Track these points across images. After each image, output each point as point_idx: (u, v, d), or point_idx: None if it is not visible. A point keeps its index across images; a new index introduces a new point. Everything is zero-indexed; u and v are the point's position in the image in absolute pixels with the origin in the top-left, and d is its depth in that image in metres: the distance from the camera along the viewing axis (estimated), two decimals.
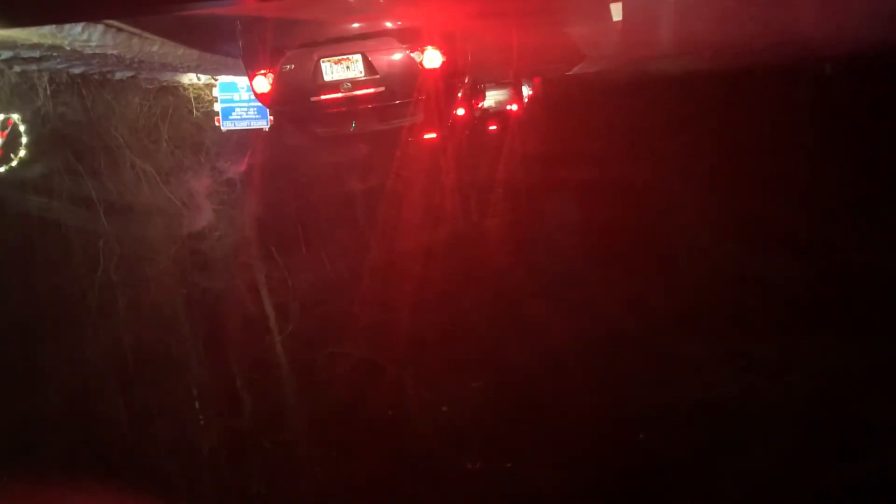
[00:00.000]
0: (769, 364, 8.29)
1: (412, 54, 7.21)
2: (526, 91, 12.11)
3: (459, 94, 9.29)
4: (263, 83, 7.07)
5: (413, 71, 7.19)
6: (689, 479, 8.27)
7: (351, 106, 7.36)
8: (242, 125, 9.78)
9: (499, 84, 11.84)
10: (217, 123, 9.58)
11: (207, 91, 9.66)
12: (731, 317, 8.48)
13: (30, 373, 8.71)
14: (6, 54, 7.12)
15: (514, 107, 12.27)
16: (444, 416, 9.28)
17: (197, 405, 9.40)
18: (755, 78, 9.34)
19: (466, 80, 9.46)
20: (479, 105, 11.37)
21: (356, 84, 7.15)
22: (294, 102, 7.38)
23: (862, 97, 9.17)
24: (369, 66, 7.12)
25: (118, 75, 8.86)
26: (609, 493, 8.24)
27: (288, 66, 7.08)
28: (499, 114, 12.31)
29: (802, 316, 8.30)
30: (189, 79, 9.36)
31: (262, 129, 9.70)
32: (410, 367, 9.30)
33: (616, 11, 8.86)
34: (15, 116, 7.76)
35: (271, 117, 9.51)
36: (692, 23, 8.74)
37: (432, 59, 7.13)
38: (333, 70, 7.14)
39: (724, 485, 8.14)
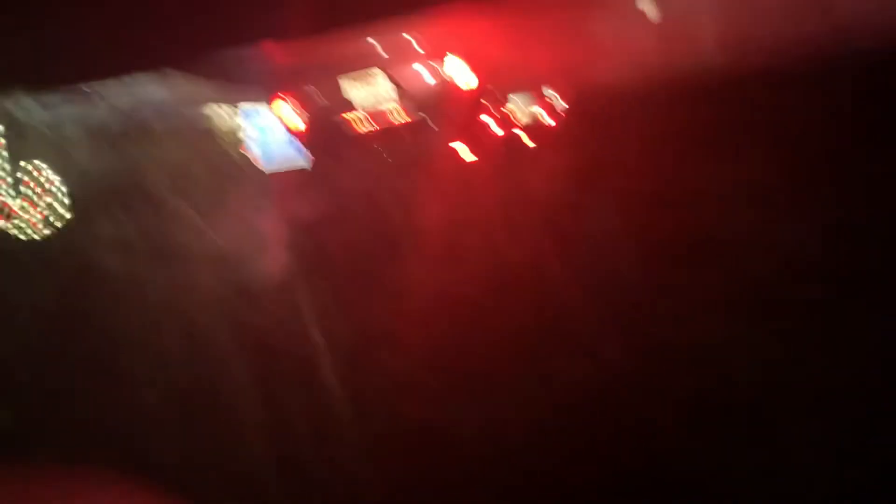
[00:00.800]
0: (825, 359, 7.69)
1: (441, 70, 7.08)
2: (556, 98, 11.86)
3: (491, 108, 9.13)
4: (294, 116, 7.00)
5: (447, 90, 7.06)
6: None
7: (380, 126, 7.28)
8: (282, 165, 9.85)
9: (533, 97, 11.64)
10: (256, 164, 9.67)
11: (244, 132, 9.79)
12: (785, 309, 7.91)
13: (78, 418, 8.74)
14: (41, 110, 7.35)
15: (544, 112, 11.98)
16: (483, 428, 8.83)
17: (248, 437, 9.24)
18: (813, 81, 8.87)
19: (500, 96, 9.31)
20: (515, 119, 11.16)
21: (383, 102, 7.06)
22: (323, 128, 7.34)
23: None
24: (395, 84, 7.04)
25: (156, 124, 9.05)
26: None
27: (316, 93, 7.03)
28: (535, 127, 12.04)
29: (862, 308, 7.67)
30: (226, 120, 9.51)
31: (302, 165, 9.75)
32: (453, 380, 8.94)
33: (650, 11, 8.64)
34: (45, 166, 7.95)
35: (309, 153, 9.54)
36: (739, 21, 8.47)
37: (467, 80, 6.99)
38: (358, 90, 7.08)
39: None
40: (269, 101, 7.15)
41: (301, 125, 7.09)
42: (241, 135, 9.82)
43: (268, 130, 9.70)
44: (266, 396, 9.01)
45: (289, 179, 9.94)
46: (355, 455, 8.82)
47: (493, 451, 8.28)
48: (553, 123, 11.59)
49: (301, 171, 9.89)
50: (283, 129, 7.95)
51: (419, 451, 8.48)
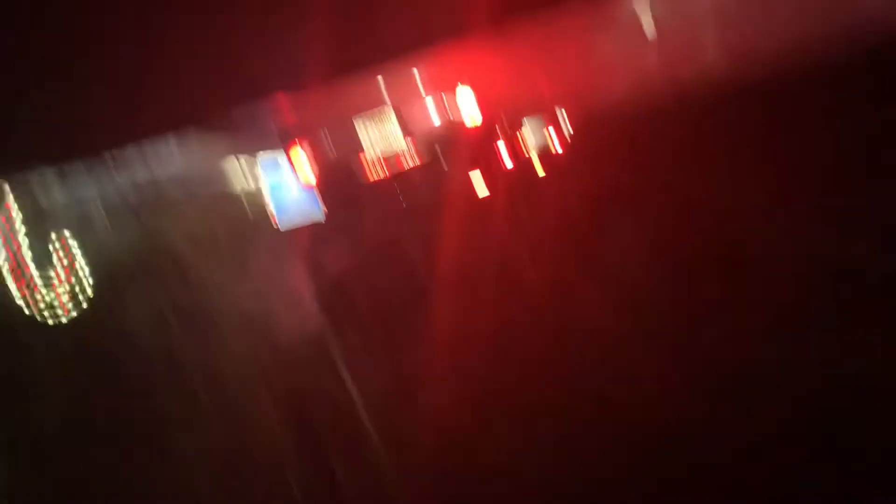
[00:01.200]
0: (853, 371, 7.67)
1: (450, 108, 7.09)
2: (566, 126, 11.83)
3: (503, 143, 9.13)
4: (309, 170, 7.02)
5: (454, 131, 7.06)
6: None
7: (394, 171, 7.27)
8: (299, 221, 9.86)
9: (539, 123, 11.62)
10: (273, 223, 9.68)
11: (259, 195, 9.81)
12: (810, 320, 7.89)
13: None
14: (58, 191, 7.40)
15: (555, 137, 11.95)
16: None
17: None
18: (822, 86, 8.83)
19: (508, 128, 9.31)
20: (522, 147, 11.15)
21: (395, 145, 7.07)
22: (339, 183, 7.34)
23: None
24: (404, 124, 7.04)
25: (172, 193, 9.09)
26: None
27: (328, 145, 7.06)
28: (548, 153, 11.99)
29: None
30: (244, 176, 9.55)
31: (318, 221, 9.75)
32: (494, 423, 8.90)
33: (648, 27, 8.66)
34: (81, 261, 7.96)
35: (324, 207, 9.55)
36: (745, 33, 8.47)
37: (472, 118, 6.99)
38: (371, 135, 7.10)
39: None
40: (285, 151, 7.13)
41: (313, 178, 7.06)
42: (258, 190, 9.86)
43: (283, 185, 9.76)
44: (304, 457, 9.01)
45: (306, 234, 9.96)
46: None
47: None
48: (566, 147, 11.61)
49: (317, 225, 9.92)
50: (298, 183, 7.92)
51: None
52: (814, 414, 7.34)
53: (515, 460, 8.46)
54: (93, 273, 8.50)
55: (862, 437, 7.16)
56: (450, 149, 7.26)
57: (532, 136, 12.17)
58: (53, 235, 8.16)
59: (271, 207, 9.74)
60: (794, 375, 7.52)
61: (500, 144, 8.98)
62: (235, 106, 7.26)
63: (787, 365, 7.58)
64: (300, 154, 7.04)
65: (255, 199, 9.86)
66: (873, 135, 8.43)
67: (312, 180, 7.14)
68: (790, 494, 7.22)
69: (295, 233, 9.96)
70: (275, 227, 9.84)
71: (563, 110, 12.09)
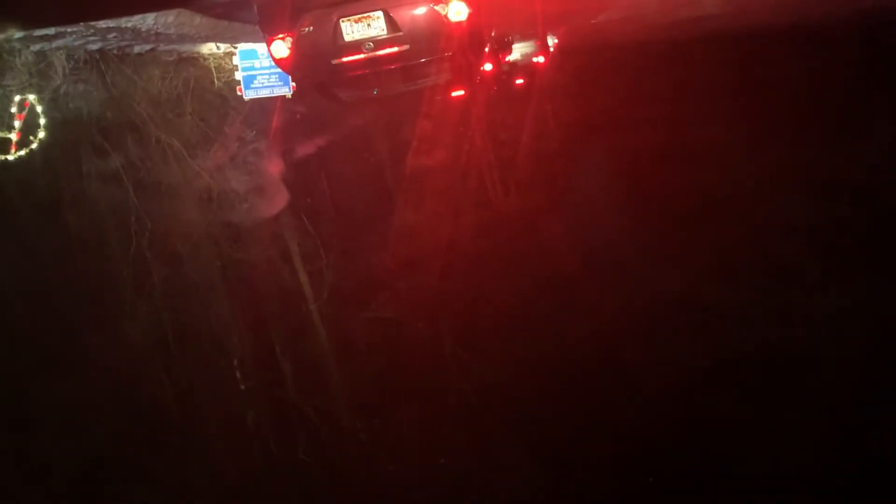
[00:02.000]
0: (823, 315, 7.82)
1: (436, 7, 6.70)
2: (551, 41, 11.49)
3: (487, 49, 8.78)
4: (282, 48, 6.61)
5: (438, 25, 6.67)
6: (741, 436, 7.90)
7: (374, 67, 6.89)
8: (265, 93, 9.35)
9: (524, 36, 11.22)
10: (239, 93, 9.19)
11: (228, 60, 9.22)
12: (781, 268, 8.01)
13: (72, 354, 8.56)
14: (20, 33, 6.80)
15: (541, 59, 11.63)
16: (479, 377, 8.95)
17: (238, 376, 9.18)
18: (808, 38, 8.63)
19: (493, 33, 8.93)
20: (507, 59, 10.79)
21: (379, 43, 6.67)
22: (314, 66, 6.92)
23: None
24: (392, 23, 6.61)
25: (136, 49, 8.47)
26: (659, 454, 7.95)
27: (306, 29, 6.62)
28: (526, 67, 11.70)
29: (855, 264, 7.80)
30: (209, 48, 8.93)
31: (285, 95, 9.30)
32: (445, 327, 8.98)
33: None
34: (31, 97, 7.44)
35: (293, 83, 9.10)
36: None
37: (458, 11, 6.61)
38: (354, 29, 6.65)
39: (776, 439, 7.79)
40: (267, 42, 6.69)
41: (286, 53, 6.66)
42: (225, 62, 9.32)
43: (253, 57, 9.23)
44: (251, 337, 8.96)
45: (271, 106, 9.54)
46: (345, 404, 8.92)
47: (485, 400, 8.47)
48: (549, 69, 11.29)
49: (283, 98, 9.50)
50: (269, 58, 7.48)
51: (415, 404, 8.61)
52: (766, 353, 7.60)
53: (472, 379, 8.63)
54: (43, 123, 7.97)
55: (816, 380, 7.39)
56: (432, 44, 6.87)
57: (522, 52, 11.80)
58: (17, 98, 7.61)
59: (238, 76, 9.25)
60: (753, 320, 7.74)
61: (490, 57, 8.61)
62: None
63: (747, 309, 7.78)
64: (283, 42, 6.58)
65: (223, 65, 9.34)
66: (851, 92, 8.44)
67: (284, 55, 6.70)
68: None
69: (259, 102, 9.49)
70: (240, 95, 9.35)
71: (553, 36, 11.72)
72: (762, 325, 7.85)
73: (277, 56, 6.76)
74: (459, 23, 6.75)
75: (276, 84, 9.36)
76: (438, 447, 8.97)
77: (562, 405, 8.59)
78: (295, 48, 6.58)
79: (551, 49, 11.45)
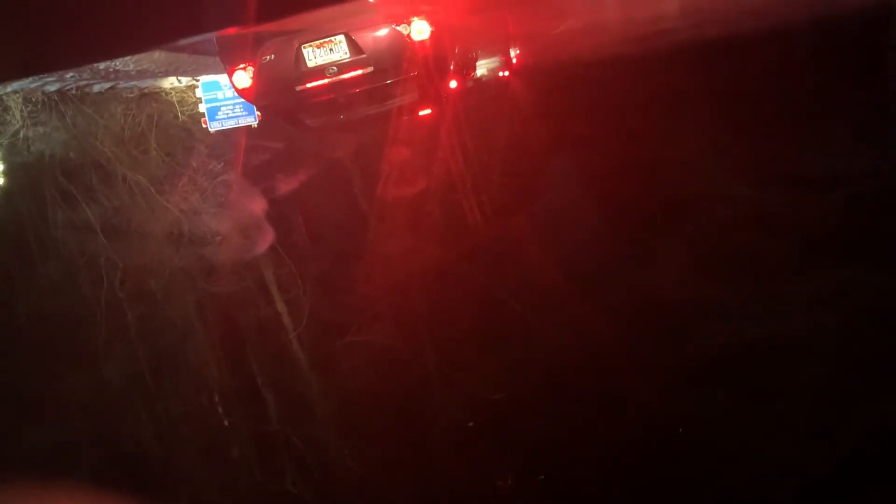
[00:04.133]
0: (798, 305, 7.63)
1: (398, 27, 6.43)
2: (513, 53, 11.30)
3: (452, 66, 8.53)
4: (244, 78, 6.33)
5: (401, 46, 6.42)
6: (724, 431, 7.65)
7: (339, 91, 6.61)
8: (230, 124, 9.01)
9: (488, 52, 11.00)
10: (204, 125, 8.84)
11: (191, 93, 8.88)
12: (753, 259, 7.81)
13: (48, 396, 8.16)
14: None
15: (506, 73, 11.42)
16: (465, 391, 8.63)
17: (220, 410, 8.80)
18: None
19: (457, 50, 8.68)
20: (472, 75, 10.56)
21: (342, 67, 6.39)
22: (278, 94, 6.61)
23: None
24: (354, 46, 6.35)
25: (96, 88, 8.12)
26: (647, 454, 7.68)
27: (268, 57, 6.32)
28: (491, 82, 11.47)
29: (828, 252, 7.63)
30: (170, 82, 8.59)
31: (251, 125, 8.97)
32: (430, 351, 8.66)
33: None
34: None
35: (259, 112, 8.79)
36: None
37: (420, 30, 6.36)
38: (316, 55, 6.37)
39: (760, 433, 7.56)
40: (229, 73, 6.39)
41: (248, 83, 6.38)
42: (188, 95, 8.98)
43: (216, 89, 8.92)
44: (231, 369, 8.60)
45: (237, 138, 9.21)
46: (333, 429, 8.57)
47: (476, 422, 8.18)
48: (507, 74, 11.07)
49: (248, 129, 9.17)
50: (233, 91, 7.20)
51: (403, 428, 8.29)
52: (752, 348, 7.39)
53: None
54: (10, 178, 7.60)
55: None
56: (396, 65, 6.60)
57: (482, 58, 11.56)
58: None
59: (202, 108, 8.91)
60: (736, 316, 7.53)
61: (454, 75, 8.37)
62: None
63: (730, 305, 7.57)
64: (245, 72, 6.29)
65: (186, 98, 8.99)
66: (818, 89, 8.32)
67: (246, 84, 6.41)
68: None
69: (225, 134, 9.15)
70: (205, 127, 9.01)
71: (516, 49, 11.50)
72: (747, 318, 7.65)
73: (240, 86, 6.46)
74: (423, 42, 6.50)
75: (241, 114, 9.02)
76: (428, 464, 8.63)
77: (551, 413, 8.31)
78: (257, 77, 6.29)
79: (514, 62, 11.27)
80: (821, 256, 7.78)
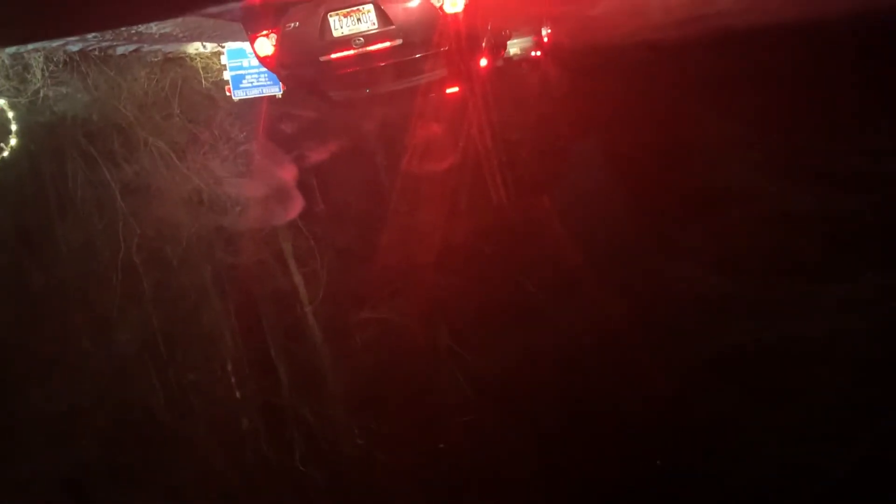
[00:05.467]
0: (824, 308, 7.25)
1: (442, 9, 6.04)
2: (545, 33, 10.85)
3: (483, 43, 8.11)
4: (266, 45, 5.95)
5: (433, 18, 6.00)
6: (739, 431, 7.35)
7: (365, 63, 6.23)
8: (254, 93, 8.68)
9: (520, 30, 10.53)
10: (228, 93, 8.53)
11: (215, 60, 8.56)
12: (779, 257, 7.44)
13: (61, 360, 7.98)
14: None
15: (538, 53, 10.97)
16: (475, 372, 8.39)
17: (232, 380, 8.59)
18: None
19: (490, 27, 8.26)
20: (503, 53, 10.11)
21: (370, 38, 6.01)
22: (301, 64, 6.23)
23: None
24: (383, 17, 5.95)
25: (119, 50, 7.82)
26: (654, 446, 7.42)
27: (291, 25, 5.95)
28: (523, 61, 11.03)
29: (855, 255, 7.25)
30: (195, 48, 8.27)
31: (275, 95, 8.65)
32: (443, 331, 8.40)
33: None
34: (1, 102, 6.77)
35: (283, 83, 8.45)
36: None
37: (454, 2, 5.96)
38: (343, 24, 5.98)
39: (775, 434, 7.25)
40: (251, 40, 6.05)
41: (270, 51, 6.02)
42: (213, 62, 8.67)
43: (241, 56, 8.59)
44: (244, 341, 8.37)
45: (261, 106, 8.90)
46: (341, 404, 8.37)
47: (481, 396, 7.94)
48: (539, 55, 10.63)
49: (272, 98, 8.84)
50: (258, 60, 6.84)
51: (413, 404, 8.06)
52: (773, 347, 7.08)
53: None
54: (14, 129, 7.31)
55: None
56: (426, 38, 6.20)
57: (518, 46, 11.10)
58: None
59: (227, 75, 8.60)
60: (760, 313, 7.21)
61: (485, 52, 7.96)
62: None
63: (753, 302, 7.23)
64: (268, 39, 5.94)
65: (211, 65, 8.67)
66: (857, 85, 7.87)
67: (269, 52, 6.05)
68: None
69: (249, 103, 8.83)
70: (228, 95, 8.70)
71: (548, 29, 11.01)
72: (769, 317, 7.30)
73: (262, 54, 6.09)
74: (455, 15, 6.09)
75: (265, 84, 8.68)
76: (437, 444, 8.42)
77: (561, 398, 8.05)
78: (280, 45, 5.93)
79: (546, 42, 10.82)
80: (851, 259, 7.41)
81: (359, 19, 6.01)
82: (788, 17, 7.38)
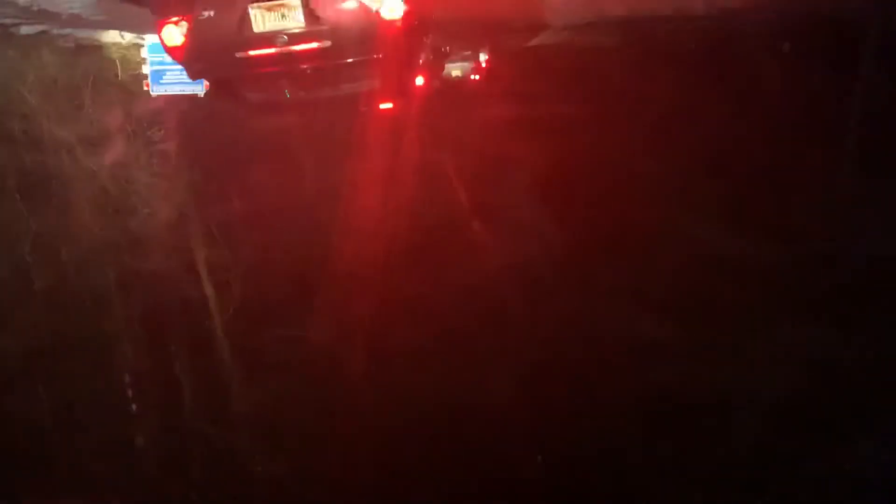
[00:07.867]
0: (750, 357, 6.94)
1: (366, 1, 5.45)
2: (483, 58, 10.49)
3: (421, 58, 7.53)
4: (175, 34, 5.26)
5: (367, 22, 5.40)
6: (660, 479, 6.87)
7: (288, 65, 5.57)
8: (175, 90, 7.97)
9: (460, 51, 10.14)
10: (146, 88, 7.75)
11: (135, 52, 7.79)
12: (708, 304, 7.08)
13: None
14: None
15: (477, 77, 10.60)
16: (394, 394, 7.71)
17: (128, 394, 7.69)
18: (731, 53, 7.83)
19: (428, 41, 7.69)
20: (441, 73, 9.63)
21: (294, 37, 5.37)
22: (215, 59, 5.53)
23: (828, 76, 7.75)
24: (311, 15, 5.31)
25: (24, 30, 6.95)
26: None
27: (206, 13, 5.27)
28: (460, 84, 10.62)
29: (786, 305, 6.95)
30: (111, 37, 7.47)
31: (196, 94, 7.91)
32: (365, 354, 7.74)
33: None
34: None
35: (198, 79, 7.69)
36: None
37: (393, 7, 5.38)
38: (266, 19, 5.32)
39: (696, 483, 6.79)
40: (157, 27, 5.32)
41: (179, 41, 5.32)
42: (131, 54, 7.87)
43: (165, 56, 7.84)
44: (145, 353, 7.53)
45: (181, 105, 8.12)
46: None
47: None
48: (477, 78, 10.22)
49: (195, 99, 8.07)
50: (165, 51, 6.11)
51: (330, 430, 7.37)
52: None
53: None
54: None
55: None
56: (359, 43, 5.59)
57: (452, 60, 10.65)
58: None
59: (146, 69, 7.81)
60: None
61: (419, 53, 7.40)
62: None
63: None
64: (178, 28, 5.23)
65: (129, 57, 7.87)
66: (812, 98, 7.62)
67: (177, 42, 5.35)
68: None
69: (168, 101, 8.07)
70: (146, 91, 7.92)
71: (486, 55, 10.66)
72: (693, 365, 6.92)
73: (169, 44, 5.36)
74: (393, 22, 5.49)
75: (187, 81, 7.93)
76: (349, 468, 7.69)
77: (480, 438, 7.46)
78: (191, 36, 5.23)
79: (484, 66, 10.44)
80: (783, 312, 7.14)
81: (284, 15, 5.36)
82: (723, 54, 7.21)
